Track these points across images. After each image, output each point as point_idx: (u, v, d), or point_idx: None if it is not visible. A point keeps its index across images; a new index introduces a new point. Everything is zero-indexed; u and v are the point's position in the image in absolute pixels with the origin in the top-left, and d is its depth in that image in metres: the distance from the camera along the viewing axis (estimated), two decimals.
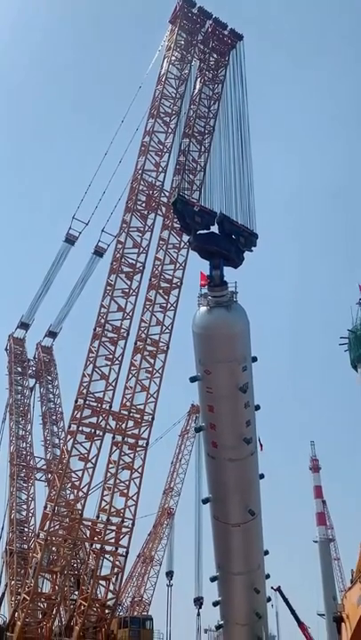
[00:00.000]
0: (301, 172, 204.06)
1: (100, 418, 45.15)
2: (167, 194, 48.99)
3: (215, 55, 46.47)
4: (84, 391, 45.00)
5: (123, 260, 47.88)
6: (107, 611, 44.14)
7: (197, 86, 46.12)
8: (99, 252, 59.99)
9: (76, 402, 45.25)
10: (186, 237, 43.45)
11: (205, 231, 30.65)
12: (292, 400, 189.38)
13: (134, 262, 48.17)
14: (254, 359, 31.93)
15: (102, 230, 54.78)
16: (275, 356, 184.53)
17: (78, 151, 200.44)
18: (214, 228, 30.95)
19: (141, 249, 48.56)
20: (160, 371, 47.52)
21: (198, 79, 46.45)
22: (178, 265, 48.82)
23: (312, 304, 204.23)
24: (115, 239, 50.86)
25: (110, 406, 45.60)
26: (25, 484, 59.29)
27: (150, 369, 47.36)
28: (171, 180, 47.86)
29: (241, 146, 35.74)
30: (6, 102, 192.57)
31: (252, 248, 31.69)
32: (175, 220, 42.38)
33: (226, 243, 30.30)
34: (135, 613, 59.14)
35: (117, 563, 44.27)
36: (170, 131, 49.67)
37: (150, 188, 49.64)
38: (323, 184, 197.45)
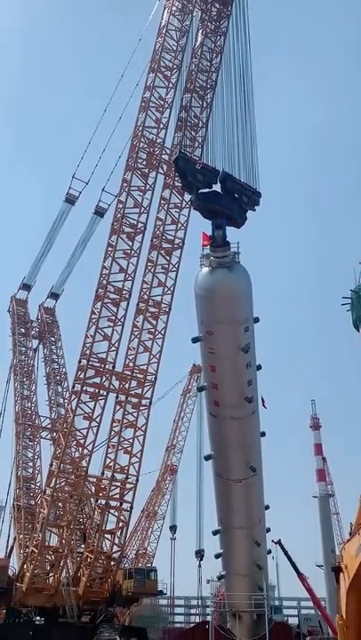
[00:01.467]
0: (303, 127, 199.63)
1: (104, 378, 45.70)
2: (168, 151, 48.06)
3: (217, 5, 44.66)
4: (88, 352, 45.40)
5: (124, 220, 47.39)
6: (112, 563, 45.81)
7: (199, 38, 44.44)
8: (99, 213, 59.37)
9: (80, 362, 45.72)
10: (187, 196, 42.86)
11: (207, 190, 30.08)
12: (295, 360, 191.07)
13: (135, 222, 47.70)
14: (256, 320, 31.89)
15: (103, 190, 54.18)
16: (277, 317, 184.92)
17: (78, 108, 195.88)
18: (217, 187, 30.38)
19: (142, 209, 48.00)
20: (162, 332, 47.76)
21: (200, 31, 44.73)
22: (179, 225, 48.34)
23: (315, 264, 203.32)
24: (115, 199, 50.29)
25: (113, 367, 46.09)
26: (31, 443, 60.51)
27: (152, 330, 47.59)
28: (172, 137, 46.91)
29: (244, 101, 34.55)
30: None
31: (256, 207, 31.17)
32: (176, 178, 41.73)
33: (228, 202, 29.73)
34: (140, 565, 61.25)
35: (122, 517, 45.68)
36: (171, 86, 48.33)
37: (151, 146, 48.66)
38: (328, 137, 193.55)
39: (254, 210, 31.01)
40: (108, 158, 52.74)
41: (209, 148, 32.89)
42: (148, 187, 48.28)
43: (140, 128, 48.28)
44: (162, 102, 48.54)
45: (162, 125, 48.66)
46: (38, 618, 44.62)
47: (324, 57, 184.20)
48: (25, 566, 44.95)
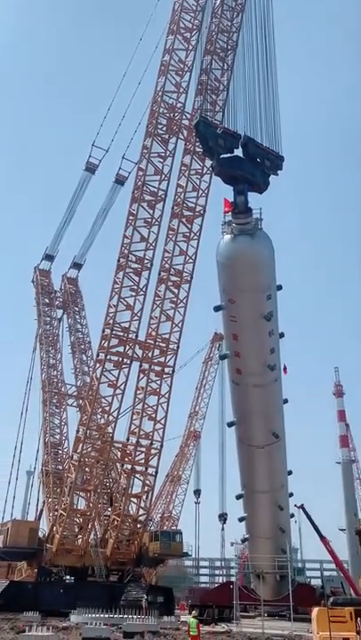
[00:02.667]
0: (328, 89, 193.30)
1: (127, 347, 46.14)
2: (189, 116, 47.16)
3: None
4: (111, 321, 45.77)
5: (144, 187, 46.97)
6: (138, 525, 47.10)
7: None
8: (120, 181, 58.79)
9: (103, 332, 46.18)
10: (209, 162, 42.13)
11: (229, 155, 29.50)
12: (318, 327, 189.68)
13: (156, 190, 47.26)
14: (279, 287, 31.63)
15: (123, 157, 53.52)
16: (301, 284, 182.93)
17: (96, 74, 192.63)
18: (238, 152, 29.77)
19: (163, 176, 47.45)
20: (184, 301, 47.76)
21: None
22: (201, 192, 47.73)
23: (339, 228, 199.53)
24: (135, 166, 49.72)
25: (136, 336, 46.45)
26: (57, 410, 61.80)
27: (174, 299, 47.61)
28: (192, 102, 45.99)
29: (266, 62, 33.42)
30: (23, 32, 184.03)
31: (278, 171, 30.51)
32: (197, 143, 40.97)
33: (250, 166, 29.15)
34: (165, 528, 62.75)
35: (147, 482, 46.74)
36: (190, 48, 47.10)
37: (171, 111, 47.78)
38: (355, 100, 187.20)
39: (277, 174, 30.38)
40: (127, 125, 51.99)
41: (230, 111, 32.10)
42: (168, 153, 47.62)
43: (160, 93, 47.36)
44: (181, 65, 47.41)
45: (182, 89, 47.64)
46: (68, 577, 46.36)
47: (348, 15, 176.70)
48: (54, 528, 46.51)
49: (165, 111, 47.48)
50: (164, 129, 47.55)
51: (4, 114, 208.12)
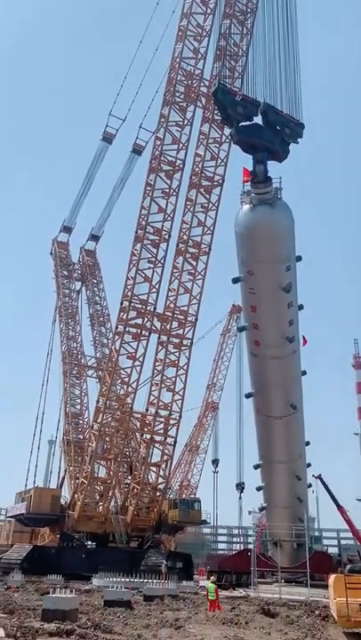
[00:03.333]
0: (352, 53, 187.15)
1: (146, 319, 46.31)
2: (207, 83, 46.13)
3: None
4: (129, 294, 45.86)
5: (162, 157, 46.39)
6: (158, 493, 48.04)
7: None
8: (137, 150, 58.13)
9: (122, 304, 46.34)
10: (227, 130, 41.34)
11: (248, 122, 28.82)
12: (338, 299, 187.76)
13: (174, 160, 46.64)
14: (299, 258, 31.24)
15: (140, 126, 52.82)
16: (321, 255, 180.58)
17: (113, 42, 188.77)
18: (258, 119, 29.08)
19: (181, 145, 46.75)
20: (202, 273, 47.53)
21: None
22: (219, 161, 46.98)
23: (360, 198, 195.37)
24: (153, 135, 49.02)
25: (155, 308, 46.54)
26: (78, 381, 62.66)
27: (192, 271, 47.42)
28: (210, 68, 44.90)
29: (287, 25, 32.21)
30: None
31: (298, 140, 29.78)
32: (216, 111, 40.15)
33: (270, 134, 28.44)
34: (184, 496, 63.87)
35: (166, 451, 47.46)
36: (209, 11, 45.75)
37: (189, 78, 46.77)
38: None
39: (297, 142, 29.64)
40: (145, 93, 51.14)
41: (249, 78, 31.14)
42: (186, 121, 46.80)
43: (178, 59, 46.30)
44: (200, 30, 46.17)
45: (200, 55, 46.51)
46: (90, 543, 47.70)
47: None
48: (76, 496, 47.66)
49: (183, 78, 46.50)
50: (182, 97, 46.64)
51: (21, 83, 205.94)
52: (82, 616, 17.08)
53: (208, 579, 26.86)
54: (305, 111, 29.96)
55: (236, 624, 17.70)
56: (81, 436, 58.02)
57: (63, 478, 56.26)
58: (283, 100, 29.76)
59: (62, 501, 50.14)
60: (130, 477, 51.02)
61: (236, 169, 36.07)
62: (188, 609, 22.46)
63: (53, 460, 64.89)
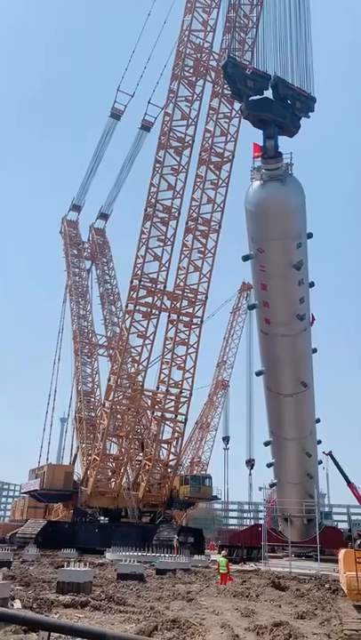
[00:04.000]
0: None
1: (155, 298, 46.31)
2: (216, 57, 45.27)
3: None
4: (139, 272, 45.79)
5: (171, 133, 45.82)
6: (169, 470, 48.64)
7: None
8: (146, 127, 57.39)
9: (132, 282, 46.34)
10: (237, 105, 40.64)
11: (258, 97, 28.25)
12: (350, 277, 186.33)
13: (183, 136, 46.07)
14: (310, 235, 30.87)
15: (148, 102, 52.09)
16: (333, 232, 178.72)
17: (120, 15, 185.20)
18: (268, 93, 28.51)
19: (190, 120, 46.12)
20: (212, 250, 47.28)
21: None
22: (229, 137, 46.35)
23: None
24: (162, 111, 48.38)
25: (165, 286, 46.48)
26: (89, 359, 63.10)
27: (202, 249, 47.17)
28: (220, 41, 44.01)
29: None
30: None
31: (310, 113, 29.20)
32: (226, 85, 39.45)
33: (281, 108, 27.88)
34: (195, 472, 64.61)
35: (177, 428, 47.89)
36: None
37: (198, 51, 45.91)
38: None
39: (308, 116, 29.05)
40: (153, 68, 50.32)
41: (260, 50, 30.30)
42: (195, 96, 46.10)
43: (186, 32, 45.40)
44: (209, 2, 45.14)
45: (209, 28, 45.56)
46: (103, 518, 48.54)
47: None
48: (88, 472, 48.38)
49: (192, 52, 45.65)
50: (191, 71, 45.85)
51: (28, 59, 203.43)
52: (96, 588, 17.45)
53: (219, 553, 27.28)
54: (317, 83, 29.33)
55: (247, 597, 18.00)
56: (93, 414, 58.64)
57: (76, 455, 57.09)
58: (294, 72, 29.09)
59: (75, 478, 50.95)
60: (141, 454, 51.64)
61: (247, 143, 35.58)
62: (199, 582, 22.87)
63: (66, 437, 66.05)
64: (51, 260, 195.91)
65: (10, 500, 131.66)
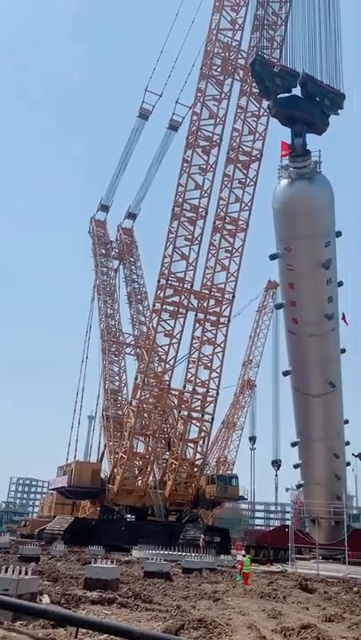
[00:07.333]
0: None
1: (183, 297, 46.34)
2: (245, 55, 45.05)
3: None
4: (166, 271, 45.89)
5: (199, 133, 45.78)
6: (195, 469, 48.63)
7: None
8: (173, 127, 57.48)
9: (159, 282, 46.45)
10: (266, 103, 40.40)
11: (287, 94, 28.05)
12: None
13: (211, 135, 45.98)
14: (338, 234, 30.61)
15: (176, 101, 52.13)
16: None
17: (148, 14, 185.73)
18: (296, 91, 28.26)
19: (218, 119, 46.01)
20: (240, 249, 47.07)
21: None
22: (257, 135, 46.08)
23: None
24: (190, 110, 48.39)
25: (191, 286, 46.47)
26: (116, 358, 63.51)
27: (230, 248, 47.01)
28: (248, 40, 43.79)
29: None
30: None
31: (339, 110, 28.85)
32: (254, 84, 39.22)
33: (309, 106, 27.62)
34: (221, 472, 64.47)
35: (204, 428, 47.86)
36: None
37: (226, 50, 45.75)
38: None
39: (338, 114, 28.75)
40: (181, 68, 50.35)
41: (288, 48, 30.19)
42: (223, 95, 45.94)
43: (215, 31, 45.27)
44: (237, 0, 44.92)
45: (237, 26, 45.34)
46: (129, 516, 48.82)
47: None
48: (115, 470, 48.71)
49: (220, 51, 45.51)
50: (219, 70, 45.73)
51: (58, 62, 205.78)
52: (122, 586, 17.56)
53: (248, 553, 27.19)
54: (346, 81, 28.98)
55: (274, 598, 17.88)
56: (120, 412, 58.98)
57: (103, 453, 57.50)
58: (323, 69, 28.79)
59: (102, 475, 51.33)
60: (168, 453, 51.73)
61: (274, 143, 35.35)
62: (225, 582, 22.81)
63: (93, 434, 66.48)
64: (79, 260, 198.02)
65: (38, 496, 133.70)
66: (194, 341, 47.10)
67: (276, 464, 70.89)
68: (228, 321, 47.40)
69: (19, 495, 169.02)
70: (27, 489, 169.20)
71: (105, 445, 57.53)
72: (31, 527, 60.97)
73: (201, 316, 46.85)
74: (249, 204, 46.64)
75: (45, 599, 12.62)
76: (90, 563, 19.02)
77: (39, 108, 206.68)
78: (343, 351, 35.93)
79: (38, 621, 9.65)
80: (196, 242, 46.22)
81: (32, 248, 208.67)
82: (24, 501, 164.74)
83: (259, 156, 46.06)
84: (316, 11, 30.45)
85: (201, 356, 46.76)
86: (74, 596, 13.83)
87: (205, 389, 47.00)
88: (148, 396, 47.38)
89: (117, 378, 62.64)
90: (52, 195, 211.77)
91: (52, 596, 13.36)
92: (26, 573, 11.82)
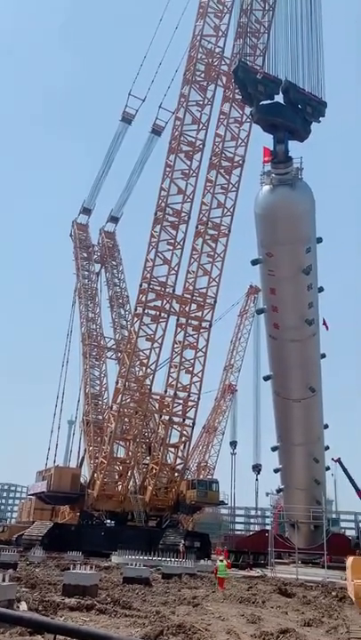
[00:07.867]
0: None
1: (165, 301, 46.34)
2: (228, 61, 45.38)
3: None
4: (148, 275, 45.86)
5: (182, 138, 45.96)
6: (176, 474, 48.51)
7: None
8: (157, 131, 57.57)
9: (141, 286, 46.40)
10: (248, 110, 40.71)
11: (269, 101, 28.34)
12: (359, 281, 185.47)
13: (194, 140, 46.18)
14: (319, 240, 30.91)
15: (160, 106, 52.25)
16: (343, 237, 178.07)
17: (132, 19, 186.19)
18: (279, 98, 28.56)
19: (201, 125, 46.24)
20: (222, 255, 47.27)
21: None
22: (240, 141, 46.42)
23: None
24: (173, 115, 48.52)
25: (173, 290, 46.53)
26: (97, 362, 63.15)
27: (212, 253, 47.18)
28: (232, 46, 44.09)
29: (310, 0, 31.46)
30: None
31: (320, 118, 29.22)
32: (237, 90, 39.53)
33: (291, 113, 27.98)
34: (201, 477, 64.38)
35: (185, 432, 47.80)
36: None
37: (210, 56, 46.04)
38: None
39: (319, 121, 29.12)
40: (164, 73, 50.42)
41: (271, 55, 30.56)
42: (206, 101, 46.20)
43: (198, 37, 45.55)
44: (221, 7, 45.29)
45: (221, 33, 45.69)
46: (109, 521, 48.45)
47: None
48: (95, 475, 48.36)
49: (204, 57, 45.79)
50: (203, 75, 45.99)
51: (40, 65, 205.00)
52: (101, 592, 17.42)
53: (228, 558, 27.13)
54: (328, 89, 29.35)
55: (253, 603, 17.88)
56: (100, 417, 58.63)
57: (83, 458, 57.09)
58: (305, 77, 29.17)
59: (82, 480, 50.92)
60: (148, 458, 51.55)
61: (257, 149, 35.61)
62: (205, 587, 22.76)
63: (73, 439, 65.99)
64: (60, 263, 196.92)
65: (17, 501, 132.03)
66: (175, 346, 47.10)
67: (257, 469, 71.09)
68: (210, 325, 47.53)
69: None
70: (5, 494, 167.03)
71: (85, 450, 57.11)
72: (9, 533, 60.10)
73: (183, 320, 46.88)
74: (231, 210, 46.90)
75: (23, 606, 12.45)
76: (69, 569, 18.86)
77: (23, 109, 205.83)
78: (323, 356, 36.25)
79: (15, 629, 9.51)
80: (179, 246, 46.31)
81: (32, 248, 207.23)
82: (2, 507, 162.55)
83: (241, 161, 46.38)
84: (298, 19, 30.87)
85: (182, 360, 46.77)
86: (52, 603, 13.68)
87: (187, 394, 47.00)
88: (129, 400, 47.20)
89: (98, 382, 62.31)
90: (52, 195, 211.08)
91: (29, 602, 13.19)
92: (3, 580, 11.66)
